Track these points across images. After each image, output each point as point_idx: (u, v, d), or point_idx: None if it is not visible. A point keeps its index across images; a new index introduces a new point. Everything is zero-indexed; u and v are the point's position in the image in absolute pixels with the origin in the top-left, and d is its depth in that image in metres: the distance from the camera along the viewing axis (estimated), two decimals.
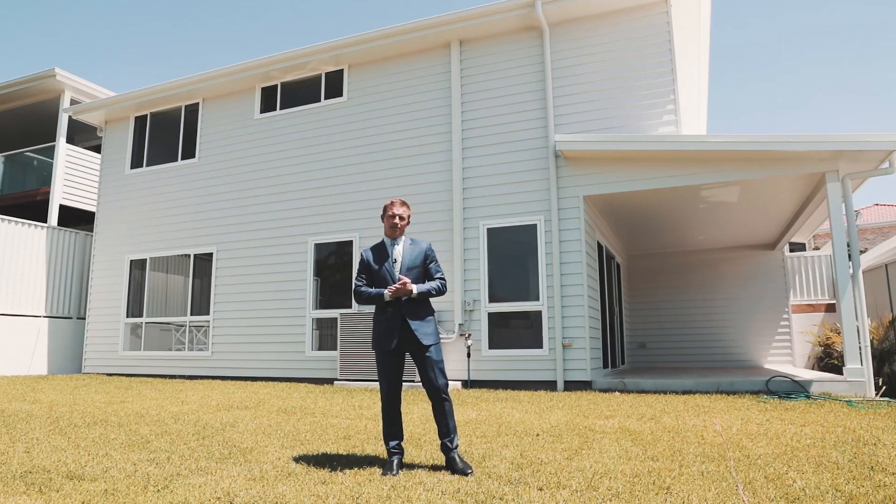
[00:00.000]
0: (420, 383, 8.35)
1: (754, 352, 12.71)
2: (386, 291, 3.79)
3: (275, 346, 10.29)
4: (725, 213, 10.12)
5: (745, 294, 12.93)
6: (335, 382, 9.15)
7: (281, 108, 11.04)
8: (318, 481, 3.47)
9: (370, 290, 3.89)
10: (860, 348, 7.24)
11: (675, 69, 8.58)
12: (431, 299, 3.99)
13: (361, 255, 4.02)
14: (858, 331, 7.28)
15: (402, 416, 4.13)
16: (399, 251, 3.93)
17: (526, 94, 9.27)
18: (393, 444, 3.79)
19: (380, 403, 6.76)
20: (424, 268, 3.95)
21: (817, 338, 12.22)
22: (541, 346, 8.57)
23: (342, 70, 10.61)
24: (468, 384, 8.77)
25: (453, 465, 3.63)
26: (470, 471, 3.57)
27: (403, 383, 4.61)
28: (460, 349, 8.95)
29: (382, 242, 4.00)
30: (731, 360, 12.78)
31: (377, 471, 3.68)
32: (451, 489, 3.25)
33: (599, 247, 10.15)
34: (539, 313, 8.66)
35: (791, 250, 15.68)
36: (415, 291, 3.79)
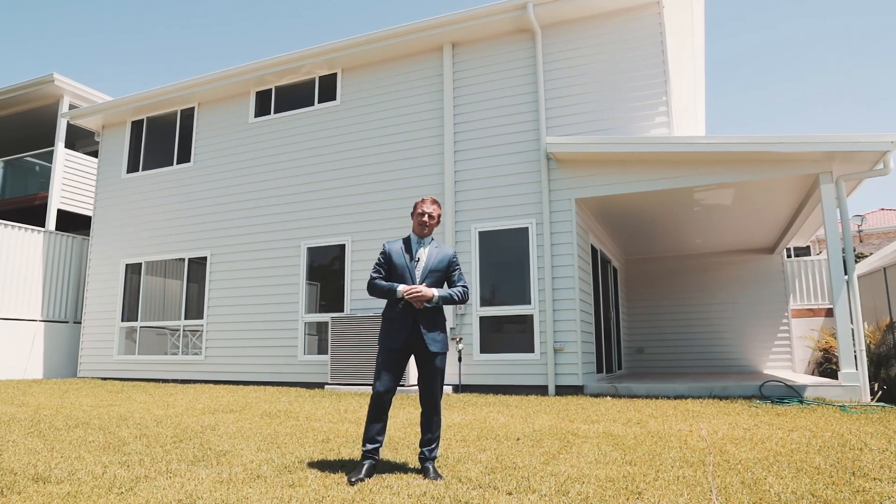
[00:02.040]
0: (409, 388, 8.29)
1: (754, 357, 12.58)
2: (400, 288, 3.65)
3: (268, 350, 10.25)
4: (721, 216, 10.03)
5: (744, 299, 12.81)
6: (326, 387, 9.09)
7: (275, 112, 11.05)
8: (286, 484, 3.41)
9: (384, 283, 3.74)
10: (855, 353, 7.13)
11: (667, 71, 8.52)
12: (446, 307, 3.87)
13: (384, 247, 3.87)
14: (854, 335, 7.17)
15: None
16: (424, 252, 3.81)
17: (518, 96, 9.23)
18: (370, 447, 3.62)
19: (365, 407, 6.69)
20: (447, 274, 3.83)
21: (817, 343, 12.08)
22: (532, 351, 8.49)
23: (335, 74, 10.61)
24: (459, 389, 8.69)
25: (426, 474, 3.55)
26: (440, 479, 3.48)
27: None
28: (451, 353, 8.87)
29: (409, 238, 3.88)
30: (731, 366, 12.65)
31: (347, 474, 3.61)
32: (417, 493, 3.18)
33: (594, 251, 10.07)
34: (531, 317, 8.58)
35: (796, 255, 15.55)
36: (436, 296, 3.66)
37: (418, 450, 3.72)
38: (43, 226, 13.41)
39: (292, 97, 10.98)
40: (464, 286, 3.85)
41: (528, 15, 8.86)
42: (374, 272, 3.84)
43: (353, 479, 3.40)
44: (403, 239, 3.90)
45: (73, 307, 12.99)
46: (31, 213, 14.26)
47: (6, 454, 4.25)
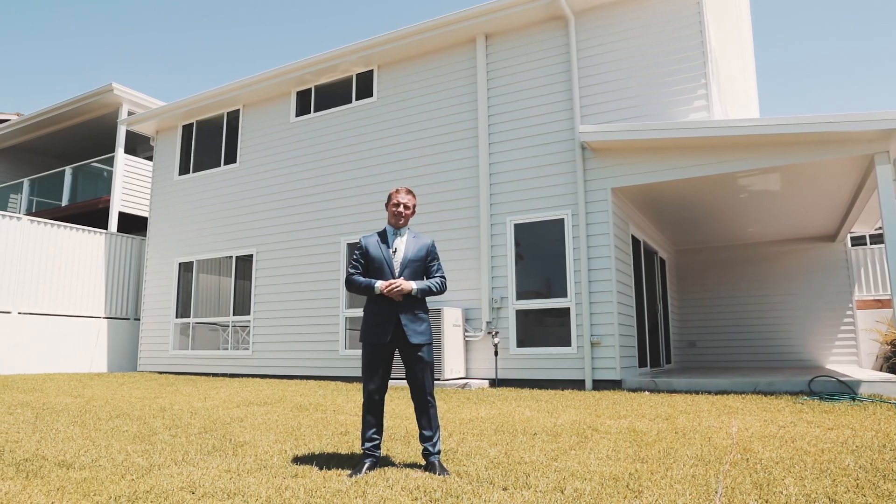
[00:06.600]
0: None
1: (815, 351, 11.89)
2: (378, 284, 3.62)
3: (310, 345, 10.49)
4: (772, 202, 9.51)
5: (803, 289, 12.11)
6: None
7: (315, 111, 11.27)
8: (289, 475, 3.47)
9: (362, 279, 3.71)
10: None
11: (706, 53, 8.13)
12: (433, 298, 3.85)
13: (359, 241, 3.84)
14: None
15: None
16: (402, 242, 3.77)
17: (552, 85, 9.04)
18: (369, 445, 3.62)
19: (395, 401, 6.71)
20: (425, 264, 3.78)
21: (884, 336, 11.30)
22: (569, 344, 8.33)
23: (372, 70, 10.71)
24: (495, 383, 8.63)
25: (432, 470, 3.51)
26: (447, 474, 3.44)
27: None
28: (488, 347, 8.82)
29: (384, 231, 3.85)
30: (789, 360, 12.00)
31: (352, 465, 3.64)
32: (411, 486, 3.17)
33: (636, 241, 9.77)
34: (567, 310, 8.41)
35: (872, 243, 14.52)
36: (415, 289, 3.63)
37: (421, 447, 3.69)
38: (107, 228, 14.20)
39: (331, 96, 11.16)
40: (441, 277, 3.80)
41: (560, 2, 8.66)
42: (350, 268, 3.80)
43: (353, 476, 3.41)
44: (378, 232, 3.87)
45: (133, 305, 13.71)
46: (96, 215, 15.13)
47: (45, 441, 4.52)
